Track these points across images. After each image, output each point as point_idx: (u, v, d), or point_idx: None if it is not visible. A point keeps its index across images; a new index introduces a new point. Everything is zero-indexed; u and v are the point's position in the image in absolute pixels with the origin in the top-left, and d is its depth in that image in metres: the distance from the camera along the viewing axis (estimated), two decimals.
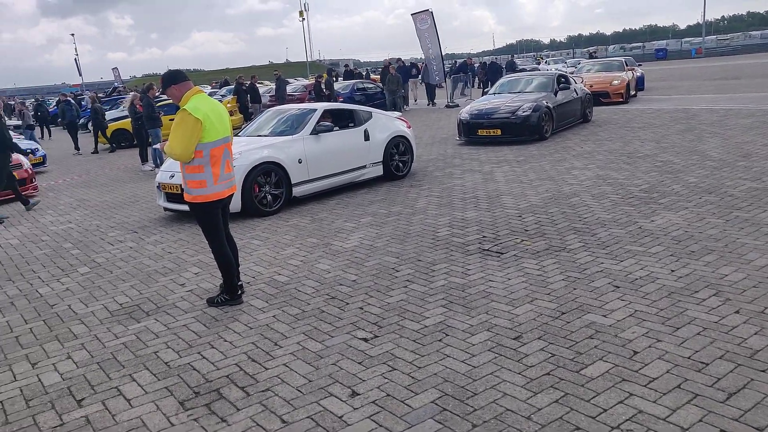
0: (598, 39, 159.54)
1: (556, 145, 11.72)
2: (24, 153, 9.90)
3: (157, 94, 13.78)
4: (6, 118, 20.75)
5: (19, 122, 20.90)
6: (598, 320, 4.03)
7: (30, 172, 11.24)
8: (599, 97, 17.73)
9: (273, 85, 23.27)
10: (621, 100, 18.48)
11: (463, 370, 3.52)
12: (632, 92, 19.93)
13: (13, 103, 30.77)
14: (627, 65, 20.77)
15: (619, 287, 4.56)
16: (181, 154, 4.45)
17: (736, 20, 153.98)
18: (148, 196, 9.98)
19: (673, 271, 4.79)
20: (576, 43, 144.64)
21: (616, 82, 18.72)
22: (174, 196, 7.71)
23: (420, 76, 24.50)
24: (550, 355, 3.61)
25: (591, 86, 17.35)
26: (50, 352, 4.26)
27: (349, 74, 28.39)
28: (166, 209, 8.17)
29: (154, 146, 12.71)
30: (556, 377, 3.35)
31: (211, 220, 4.72)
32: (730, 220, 5.97)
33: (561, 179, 8.56)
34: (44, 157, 14.84)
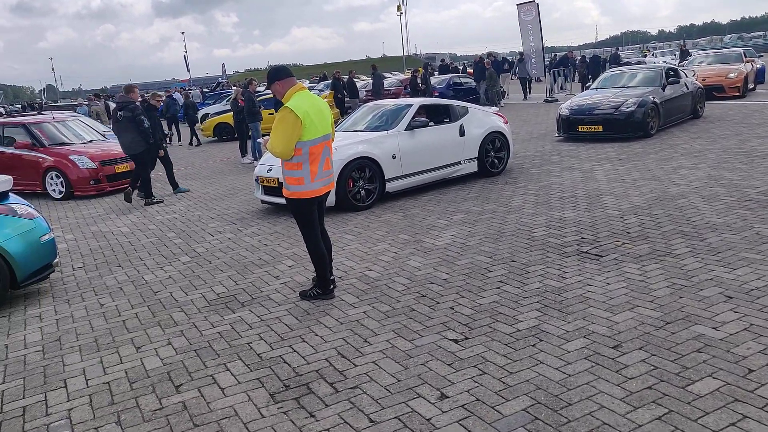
0: (711, 28, 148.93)
1: (663, 142, 11.03)
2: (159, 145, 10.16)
3: (257, 88, 14.28)
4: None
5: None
6: (708, 333, 3.73)
7: None
8: (713, 92, 16.53)
9: (370, 80, 23.49)
10: (737, 94, 17.13)
11: (557, 378, 3.36)
12: (751, 85, 18.45)
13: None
14: (746, 56, 19.22)
15: (732, 298, 4.20)
16: (281, 151, 4.54)
17: None
18: (246, 188, 10.36)
19: None
20: (687, 33, 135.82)
21: (733, 75, 17.36)
22: (271, 189, 7.94)
23: (513, 70, 23.83)
24: (652, 367, 3.37)
25: (704, 79, 16.21)
26: (153, 337, 4.50)
27: (444, 68, 28.22)
28: (263, 202, 8.44)
29: (256, 140, 13.18)
30: (658, 392, 3.13)
31: (308, 215, 4.80)
32: None
33: (667, 179, 8.03)
34: None
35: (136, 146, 9.69)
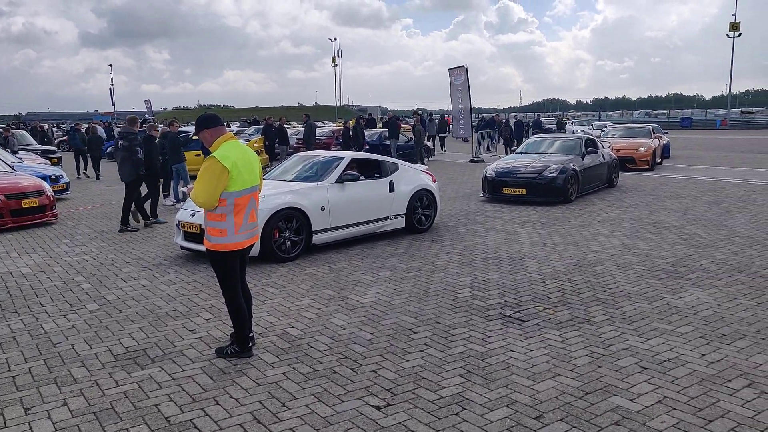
0: (623, 103, 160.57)
1: (581, 209, 11.54)
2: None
3: (179, 128, 13.95)
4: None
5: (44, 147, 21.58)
6: (625, 404, 3.79)
7: (51, 199, 11.29)
8: (625, 163, 17.60)
9: (301, 128, 23.49)
10: (647, 167, 18.33)
11: None
12: (658, 159, 19.80)
13: (46, 128, 31.59)
14: (654, 132, 20.70)
15: (646, 368, 4.32)
16: (204, 201, 4.37)
17: (761, 95, 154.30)
18: (167, 232, 9.94)
19: (703, 355, 4.54)
20: (602, 105, 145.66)
21: (643, 148, 18.61)
22: (192, 235, 7.63)
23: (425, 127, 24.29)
24: None
25: (618, 151, 17.26)
26: (46, 396, 4.09)
27: (371, 122, 28.67)
28: (183, 248, 8.09)
29: (180, 188, 12.76)
30: None
31: (228, 269, 4.60)
32: (762, 303, 5.71)
33: (586, 245, 8.36)
34: (67, 184, 14.96)
35: (128, 174, 10.19)
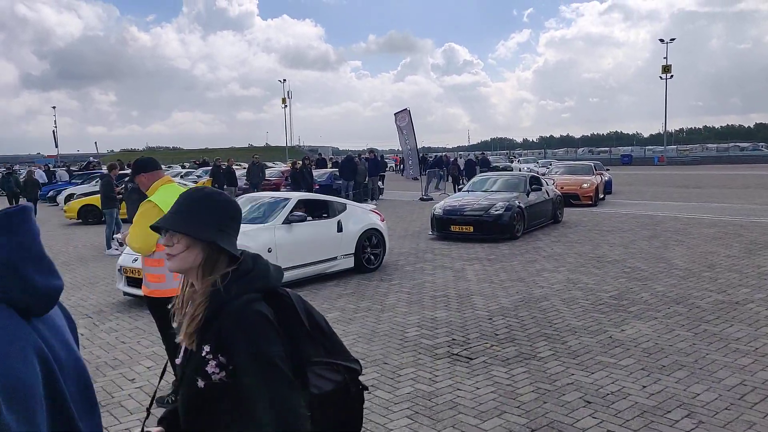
0: (568, 141, 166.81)
1: (527, 245, 11.81)
2: None
3: (118, 173, 13.75)
4: None
5: None
6: None
7: None
8: (570, 199, 18.16)
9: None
10: (590, 202, 18.96)
11: None
12: (601, 195, 20.51)
13: None
14: (596, 169, 21.50)
15: (590, 402, 4.40)
16: (140, 246, 4.30)
17: (694, 133, 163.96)
18: (109, 277, 9.65)
19: (644, 387, 4.66)
20: (548, 144, 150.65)
21: (586, 185, 19.28)
22: (135, 280, 7.44)
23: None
24: None
25: (562, 188, 17.80)
26: None
27: (322, 162, 28.80)
28: (125, 294, 7.87)
29: (114, 235, 12.44)
30: None
31: (167, 316, 4.48)
32: (698, 334, 5.92)
33: (532, 281, 8.53)
34: None
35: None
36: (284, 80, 77.64)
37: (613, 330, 6.13)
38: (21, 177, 24.38)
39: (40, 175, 25.84)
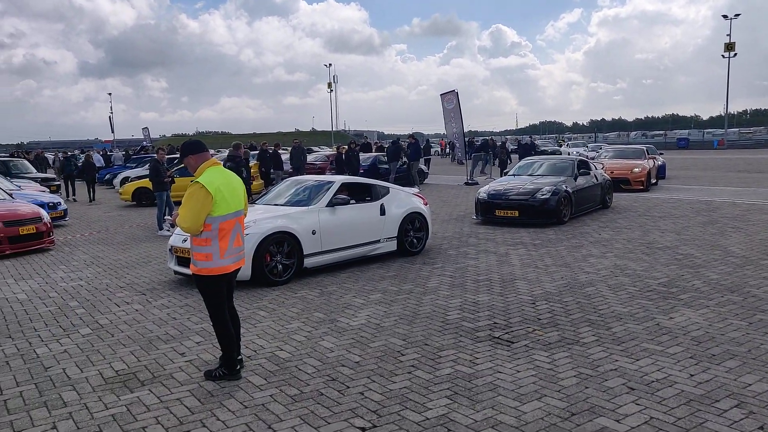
0: (619, 124, 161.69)
1: (574, 230, 11.60)
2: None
3: (166, 157, 14.15)
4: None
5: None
6: (611, 425, 3.80)
7: (49, 225, 11.36)
8: (620, 184, 17.71)
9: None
10: (642, 187, 18.44)
11: None
12: (653, 180, 19.91)
13: (53, 156, 32.05)
14: (648, 153, 20.85)
15: (634, 389, 4.33)
16: (189, 227, 4.44)
17: (759, 114, 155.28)
18: (161, 257, 9.98)
19: (692, 375, 4.55)
20: (598, 127, 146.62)
21: (637, 169, 18.74)
22: (185, 260, 7.67)
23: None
24: None
25: (612, 172, 17.37)
26: (36, 420, 4.11)
27: (367, 146, 28.84)
28: (176, 272, 8.13)
29: (165, 216, 12.86)
30: None
31: (215, 293, 4.64)
32: (753, 323, 5.73)
33: (577, 266, 8.40)
34: (65, 211, 15.04)
35: None
36: (330, 64, 78.03)
37: (660, 317, 5.98)
38: (79, 161, 25.45)
39: (97, 159, 27.00)
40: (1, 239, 10.45)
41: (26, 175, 20.32)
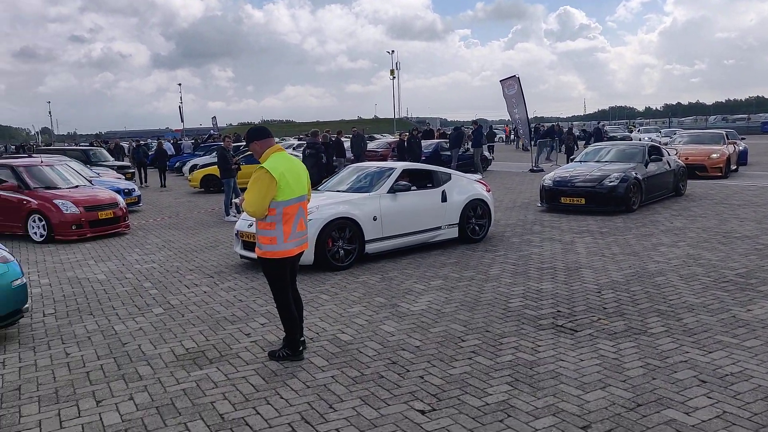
0: (697, 108, 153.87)
1: (644, 218, 11.19)
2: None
3: (232, 145, 14.56)
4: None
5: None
6: (679, 418, 3.67)
7: (124, 210, 11.94)
8: (695, 170, 16.93)
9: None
10: (720, 174, 17.54)
11: None
12: (733, 167, 18.91)
13: (127, 144, 33.72)
14: (728, 138, 19.79)
15: (705, 382, 4.16)
16: (254, 210, 4.57)
17: None
18: (228, 241, 10.32)
19: None
20: (673, 111, 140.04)
21: (716, 155, 17.83)
22: (250, 244, 7.89)
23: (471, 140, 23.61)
24: None
25: (686, 158, 16.61)
26: (115, 391, 4.36)
27: (429, 133, 28.66)
28: (242, 257, 8.39)
29: (234, 199, 13.25)
30: None
31: (279, 276, 4.77)
32: None
33: (647, 255, 8.11)
34: (139, 197, 15.76)
35: (316, 177, 11.86)
36: (392, 51, 77.87)
37: (737, 309, 5.71)
38: (151, 150, 26.59)
39: (168, 147, 28.20)
40: (82, 223, 11.07)
41: (104, 163, 21.34)
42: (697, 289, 6.42)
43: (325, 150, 19.07)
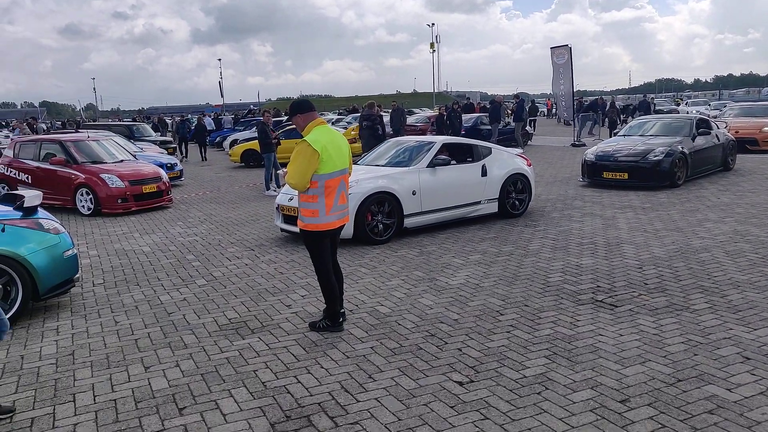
0: (750, 80, 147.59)
1: (689, 193, 10.90)
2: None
3: (272, 120, 14.73)
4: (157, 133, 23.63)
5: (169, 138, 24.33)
6: (721, 394, 3.63)
7: (167, 184, 12.24)
8: (746, 144, 16.33)
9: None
10: None
11: (560, 428, 3.30)
12: None
13: (170, 120, 34.37)
14: None
15: (749, 359, 4.09)
16: (297, 183, 4.64)
17: None
18: (268, 215, 10.48)
19: None
20: (724, 83, 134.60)
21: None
22: (291, 218, 8.03)
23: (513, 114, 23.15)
24: (660, 425, 3.30)
25: (736, 132, 16.02)
26: (162, 358, 4.54)
27: (469, 107, 28.31)
28: (282, 230, 8.53)
29: (269, 171, 13.45)
30: None
31: (320, 248, 4.85)
32: None
33: (691, 231, 7.92)
34: (181, 171, 16.09)
35: (372, 146, 11.84)
36: (432, 24, 76.80)
37: None
38: (192, 125, 27.06)
39: (208, 123, 28.72)
40: (127, 197, 11.40)
41: (147, 138, 21.83)
42: (743, 266, 6.26)
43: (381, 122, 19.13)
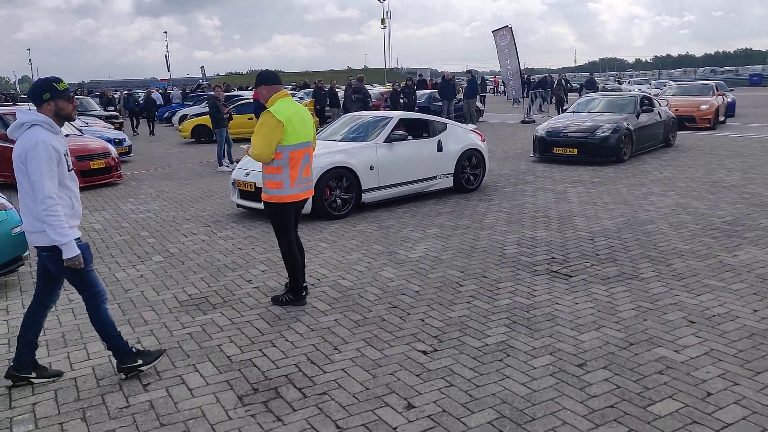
0: (687, 60, 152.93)
1: (635, 168, 11.31)
2: None
3: (223, 95, 14.50)
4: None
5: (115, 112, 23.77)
6: (670, 355, 3.85)
7: (116, 160, 11.85)
8: (684, 122, 17.00)
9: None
10: (708, 125, 17.65)
11: (522, 392, 3.44)
12: (721, 118, 19.00)
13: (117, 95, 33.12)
14: (717, 90, 19.81)
15: (694, 323, 4.34)
16: (260, 153, 4.61)
17: None
18: (222, 191, 10.32)
19: (756, 311, 4.51)
20: (663, 63, 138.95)
21: (705, 106, 17.89)
22: (247, 193, 7.93)
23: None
24: (615, 386, 3.47)
25: (676, 110, 16.65)
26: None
27: (422, 83, 28.36)
28: (239, 206, 8.43)
29: (221, 146, 13.25)
30: (620, 410, 3.22)
31: (283, 221, 4.83)
32: None
33: (637, 204, 8.25)
34: (130, 147, 15.59)
35: None
36: (383, 0, 75.85)
37: (724, 255, 5.88)
38: (140, 99, 26.12)
39: (156, 97, 27.92)
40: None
41: (91, 113, 21.00)
42: (686, 236, 6.57)
43: (316, 99, 18.95)
